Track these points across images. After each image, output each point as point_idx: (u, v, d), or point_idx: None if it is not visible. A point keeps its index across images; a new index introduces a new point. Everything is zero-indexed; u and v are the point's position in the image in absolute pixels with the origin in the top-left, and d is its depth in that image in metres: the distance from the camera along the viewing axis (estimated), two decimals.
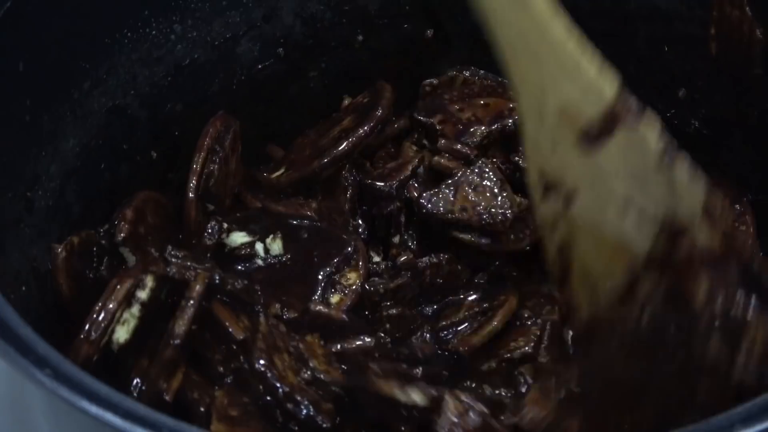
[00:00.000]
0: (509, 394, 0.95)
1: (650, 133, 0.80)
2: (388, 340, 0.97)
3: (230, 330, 0.87)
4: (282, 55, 1.16)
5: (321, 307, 0.95)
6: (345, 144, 1.07)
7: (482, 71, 1.19)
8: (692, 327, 0.79)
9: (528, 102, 0.82)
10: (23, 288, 0.89)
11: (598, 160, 0.81)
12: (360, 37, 1.18)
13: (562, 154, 0.82)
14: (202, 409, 0.86)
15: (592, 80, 0.79)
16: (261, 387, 0.84)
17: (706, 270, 0.79)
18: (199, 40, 1.10)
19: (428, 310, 1.02)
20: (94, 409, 0.63)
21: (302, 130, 1.18)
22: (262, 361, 0.85)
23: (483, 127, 1.08)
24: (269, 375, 0.84)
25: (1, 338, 0.67)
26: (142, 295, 0.89)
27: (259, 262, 1.02)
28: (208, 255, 1.00)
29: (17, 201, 0.91)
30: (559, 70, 0.79)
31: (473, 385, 0.96)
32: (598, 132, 0.80)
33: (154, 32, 1.06)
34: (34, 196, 0.93)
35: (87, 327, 0.86)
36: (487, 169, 1.01)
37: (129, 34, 1.04)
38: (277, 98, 1.18)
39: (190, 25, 1.09)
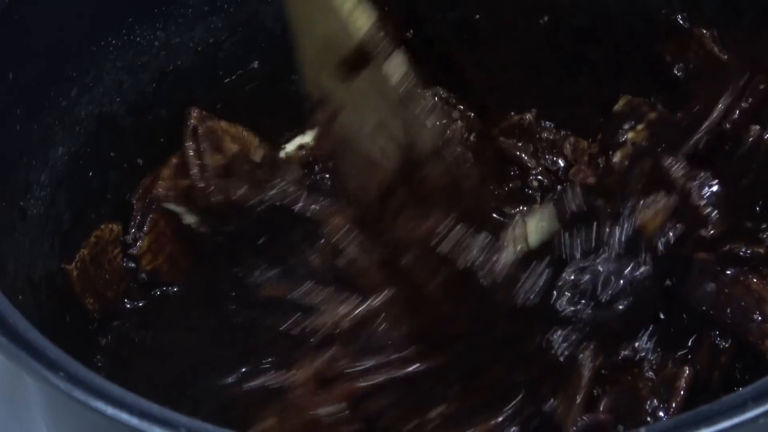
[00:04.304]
0: None
1: (395, 72, 0.89)
2: None
3: None
4: (265, 59, 1.16)
5: None
6: None
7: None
8: None
9: (300, 26, 0.92)
10: (19, 297, 0.89)
11: (355, 86, 0.91)
12: None
13: (328, 76, 0.92)
14: None
15: (346, 18, 0.87)
16: None
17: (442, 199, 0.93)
18: (182, 45, 1.10)
19: None
20: (110, 410, 0.63)
21: (285, 133, 1.19)
22: None
23: None
24: None
25: (12, 342, 0.67)
26: None
27: None
28: None
29: (11, 210, 0.91)
30: (319, 4, 0.88)
31: None
32: (352, 64, 0.89)
33: (138, 39, 1.06)
34: (26, 204, 0.94)
35: None
36: None
37: (114, 41, 1.04)
38: (260, 102, 1.18)
39: (173, 31, 1.09)
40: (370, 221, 0.99)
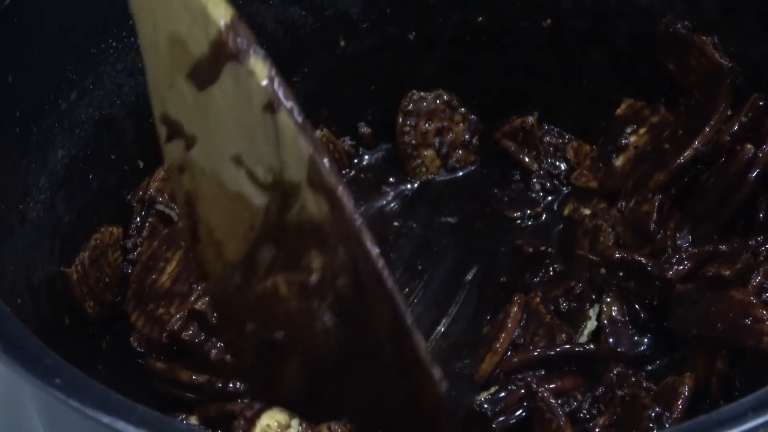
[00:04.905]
0: None
1: (258, 75, 0.71)
2: None
3: None
4: None
5: None
6: None
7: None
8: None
9: (144, 28, 0.75)
10: (18, 300, 0.89)
11: (210, 102, 0.73)
12: (342, 42, 1.18)
13: (178, 92, 0.75)
14: None
15: (201, 6, 0.70)
16: None
17: (317, 243, 0.75)
18: None
19: None
20: (106, 418, 0.63)
21: None
22: None
23: None
24: None
25: (8, 349, 0.67)
26: None
27: None
28: None
29: (10, 213, 0.91)
30: None
31: None
32: (207, 68, 0.72)
33: (138, 41, 1.06)
34: (26, 208, 0.93)
35: None
36: None
37: (114, 43, 1.03)
38: None
39: None
40: (234, 294, 0.82)
